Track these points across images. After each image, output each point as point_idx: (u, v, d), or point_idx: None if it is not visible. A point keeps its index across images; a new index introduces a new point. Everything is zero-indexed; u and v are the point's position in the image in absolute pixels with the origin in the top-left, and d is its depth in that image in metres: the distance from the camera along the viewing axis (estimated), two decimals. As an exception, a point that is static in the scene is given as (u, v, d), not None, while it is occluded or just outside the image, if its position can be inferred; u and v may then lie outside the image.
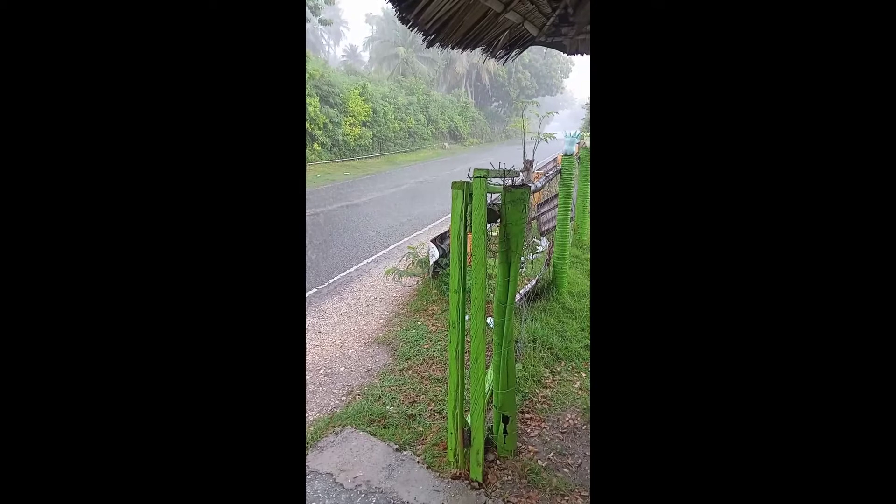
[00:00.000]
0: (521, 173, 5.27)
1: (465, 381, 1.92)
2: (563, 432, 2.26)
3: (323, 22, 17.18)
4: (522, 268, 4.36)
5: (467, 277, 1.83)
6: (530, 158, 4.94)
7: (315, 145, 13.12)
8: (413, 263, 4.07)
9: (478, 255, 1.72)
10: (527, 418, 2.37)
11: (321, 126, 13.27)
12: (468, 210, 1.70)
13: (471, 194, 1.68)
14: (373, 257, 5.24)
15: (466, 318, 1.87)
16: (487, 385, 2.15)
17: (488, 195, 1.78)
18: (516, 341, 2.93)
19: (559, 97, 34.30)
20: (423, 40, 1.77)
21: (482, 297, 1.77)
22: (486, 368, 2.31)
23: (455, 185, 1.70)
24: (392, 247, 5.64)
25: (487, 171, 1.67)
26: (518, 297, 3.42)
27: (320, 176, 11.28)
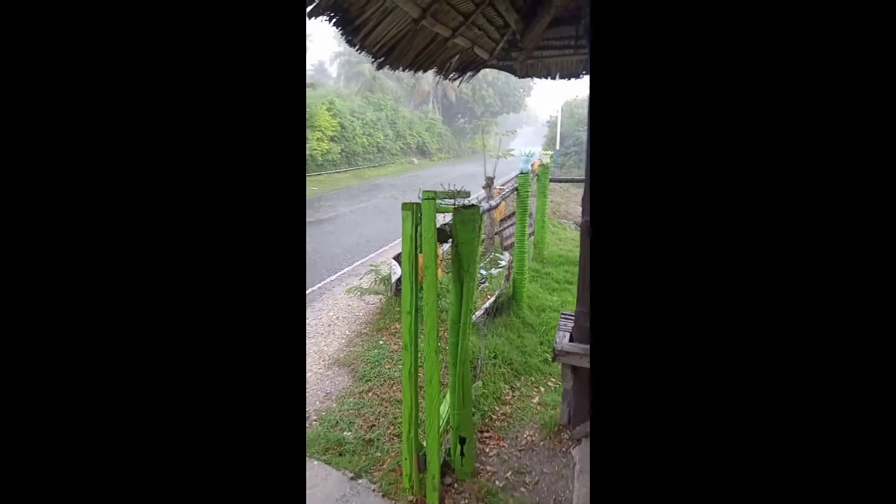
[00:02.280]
0: (483, 189, 5.36)
1: (421, 404, 1.90)
2: (520, 450, 2.26)
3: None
4: (484, 283, 4.40)
5: (420, 298, 1.82)
6: (491, 175, 5.04)
7: (279, 160, 12.84)
8: (376, 281, 4.02)
9: (428, 275, 1.72)
10: (486, 437, 2.36)
11: (286, 141, 13.02)
12: (418, 231, 1.70)
13: (420, 216, 1.69)
14: (336, 275, 5.14)
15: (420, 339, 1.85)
16: (445, 406, 2.12)
17: (442, 215, 1.79)
18: (476, 358, 2.94)
19: (522, 114, 35.47)
20: (372, 62, 1.78)
21: (434, 317, 1.76)
22: (443, 388, 2.29)
23: (405, 206, 1.70)
24: (357, 263, 5.56)
25: (436, 192, 1.69)
26: (479, 313, 3.44)
27: (284, 191, 11.01)
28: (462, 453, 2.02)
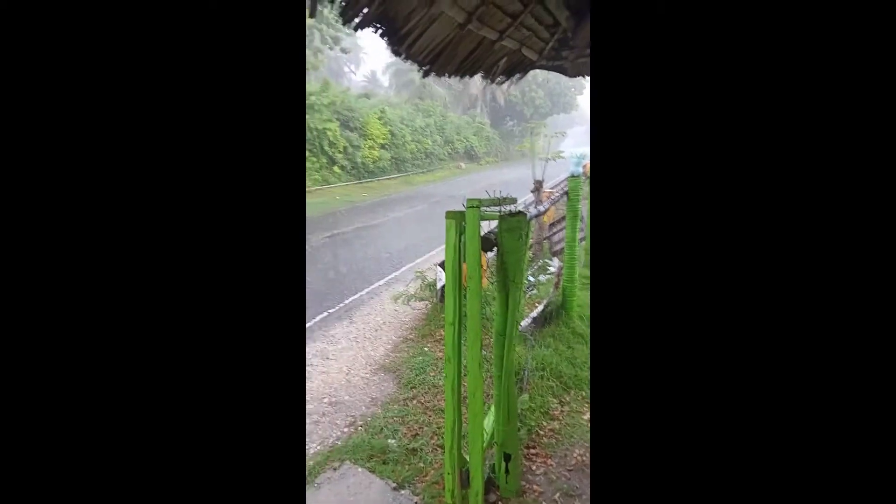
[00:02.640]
0: (531, 193, 5.21)
1: (465, 417, 1.84)
2: (570, 470, 2.13)
3: (343, 51, 17.90)
4: (532, 290, 4.26)
5: (464, 308, 1.77)
6: (539, 179, 4.89)
7: (335, 168, 13.46)
8: (422, 287, 4.03)
9: (472, 286, 1.67)
10: (532, 454, 2.25)
11: (341, 149, 13.64)
12: (462, 240, 1.66)
13: (464, 224, 1.65)
14: (384, 280, 5.24)
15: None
16: (490, 420, 2.06)
17: (487, 223, 1.74)
18: (523, 370, 2.83)
19: (574, 114, 34.36)
20: (418, 71, 1.78)
21: (478, 329, 1.71)
22: (488, 402, 2.22)
23: (449, 214, 1.67)
24: (404, 268, 5.63)
25: (480, 200, 1.64)
26: (526, 322, 3.32)
27: (340, 198, 11.52)
28: (507, 471, 1.94)
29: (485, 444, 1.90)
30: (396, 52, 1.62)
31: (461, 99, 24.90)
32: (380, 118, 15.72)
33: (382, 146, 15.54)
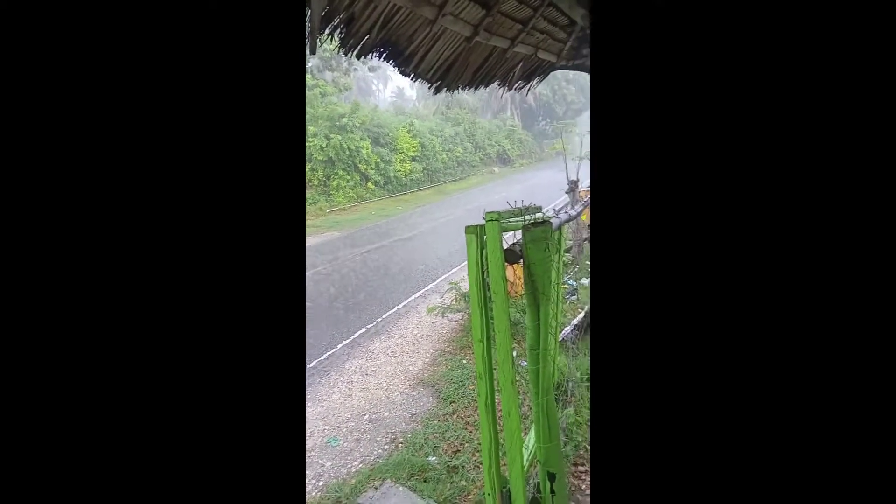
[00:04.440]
0: (566, 194, 5.05)
1: (501, 435, 1.78)
2: (621, 490, 2.00)
3: (371, 69, 18.48)
4: (573, 295, 4.11)
5: (492, 323, 1.73)
6: (574, 178, 4.74)
7: (369, 184, 13.84)
8: (456, 298, 4.01)
9: (497, 301, 1.62)
10: (581, 472, 2.15)
11: (374, 166, 14.01)
12: (483, 254, 1.62)
13: (485, 238, 1.61)
14: (420, 292, 5.27)
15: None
16: (531, 437, 1.98)
17: (513, 234, 1.69)
18: (567, 382, 2.71)
19: (610, 107, 33.22)
20: (429, 88, 1.78)
21: (508, 345, 1.65)
22: (530, 417, 2.14)
23: (468, 229, 1.63)
24: (440, 279, 5.64)
25: (500, 213, 1.59)
26: (568, 330, 3.19)
27: (375, 213, 11.81)
28: (552, 490, 1.85)
29: (526, 463, 1.82)
30: (404, 73, 1.62)
31: (490, 104, 24.83)
32: (409, 131, 16.00)
33: (413, 159, 15.79)
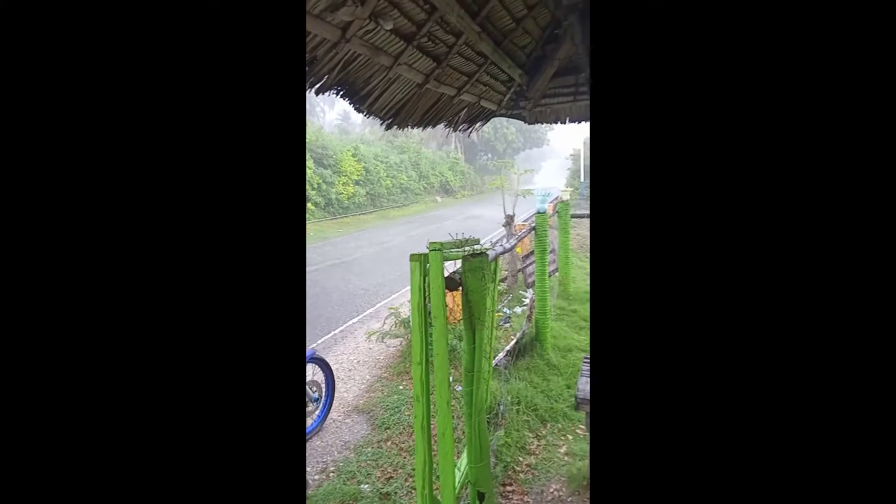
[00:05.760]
0: (504, 227, 5.37)
1: (435, 457, 1.85)
2: (545, 506, 2.14)
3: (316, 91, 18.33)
4: (507, 323, 4.33)
5: (430, 348, 1.82)
6: (510, 213, 5.09)
7: (309, 205, 13.47)
8: (396, 324, 4.04)
9: (437, 325, 1.73)
10: (508, 491, 2.25)
11: (315, 186, 13.72)
12: (426, 281, 1.73)
13: (428, 266, 1.72)
14: (359, 317, 5.20)
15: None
16: (464, 459, 2.05)
17: (454, 262, 1.82)
18: (499, 405, 2.85)
19: (545, 148, 35.95)
20: (381, 125, 1.91)
21: (446, 368, 1.75)
22: (457, 444, 2.22)
23: (413, 257, 1.74)
24: (378, 305, 5.61)
25: (442, 243, 1.73)
26: (501, 356, 3.36)
27: (314, 234, 11.47)
28: (481, 510, 1.92)
29: (458, 484, 1.89)
30: (359, 110, 1.74)
31: (435, 135, 25.69)
32: (353, 155, 16.00)
33: (357, 182, 15.74)
